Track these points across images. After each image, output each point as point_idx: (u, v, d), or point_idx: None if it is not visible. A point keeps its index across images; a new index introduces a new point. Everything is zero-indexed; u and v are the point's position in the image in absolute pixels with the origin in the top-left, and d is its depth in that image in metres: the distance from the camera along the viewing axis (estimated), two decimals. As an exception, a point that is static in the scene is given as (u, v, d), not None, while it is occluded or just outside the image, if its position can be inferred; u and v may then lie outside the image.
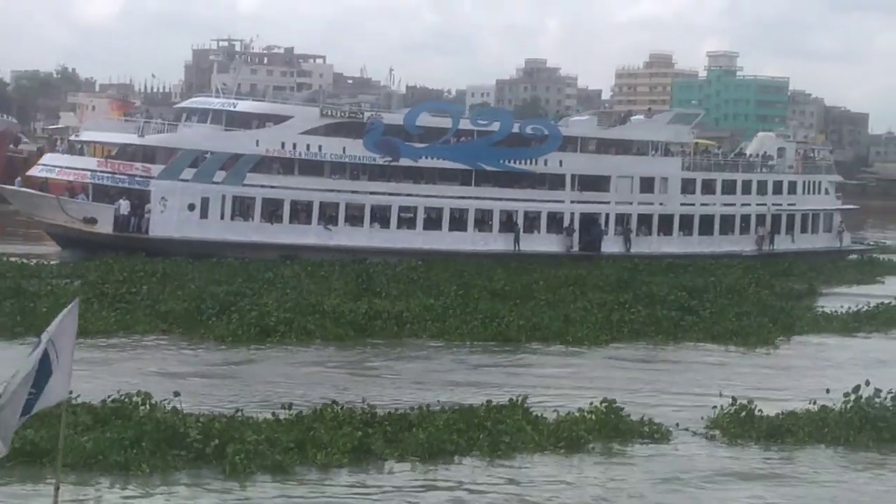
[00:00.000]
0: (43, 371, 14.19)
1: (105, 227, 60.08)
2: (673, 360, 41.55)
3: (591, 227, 68.68)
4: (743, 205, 74.13)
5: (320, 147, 63.77)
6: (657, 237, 70.84)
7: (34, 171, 65.75)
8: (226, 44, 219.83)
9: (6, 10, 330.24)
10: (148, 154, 62.46)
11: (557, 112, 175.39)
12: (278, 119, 64.37)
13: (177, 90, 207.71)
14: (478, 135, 67.84)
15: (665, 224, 71.03)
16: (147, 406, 27.29)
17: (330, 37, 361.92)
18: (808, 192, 78.13)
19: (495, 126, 68.44)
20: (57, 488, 16.46)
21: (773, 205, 75.27)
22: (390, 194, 65.15)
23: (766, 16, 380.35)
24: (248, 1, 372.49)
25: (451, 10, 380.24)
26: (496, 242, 66.48)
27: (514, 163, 67.79)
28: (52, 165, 64.20)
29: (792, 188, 76.93)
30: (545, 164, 68.24)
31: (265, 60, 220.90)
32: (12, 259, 54.23)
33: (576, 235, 68.30)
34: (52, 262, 55.40)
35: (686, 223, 71.51)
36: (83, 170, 62.34)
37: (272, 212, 63.34)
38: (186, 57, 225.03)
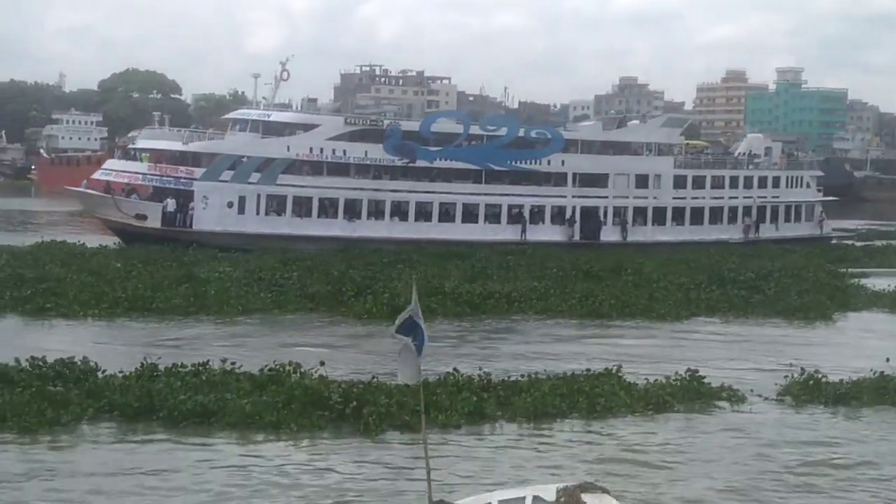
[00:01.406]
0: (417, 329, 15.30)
1: (154, 222, 59.51)
2: (744, 333, 39.96)
3: (590, 218, 66.62)
4: (731, 198, 71.45)
5: (345, 151, 62.39)
6: (651, 227, 68.46)
7: (97, 175, 64.41)
8: (367, 68, 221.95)
9: (191, 44, 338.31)
10: (195, 159, 61.58)
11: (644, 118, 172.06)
12: (307, 127, 63.32)
13: (327, 108, 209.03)
14: (487, 139, 66.04)
15: (659, 215, 68.68)
16: (297, 374, 26.93)
17: (455, 60, 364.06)
18: (791, 186, 75.47)
19: (503, 131, 66.36)
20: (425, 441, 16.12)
21: (759, 197, 72.64)
22: (408, 192, 63.37)
23: (828, 35, 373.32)
24: (387, 30, 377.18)
25: (557, 35, 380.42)
26: (505, 233, 64.17)
27: (521, 163, 65.65)
28: (111, 170, 63.33)
29: (776, 182, 74.25)
30: (549, 163, 66.05)
31: (400, 82, 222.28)
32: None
33: (577, 226, 66.17)
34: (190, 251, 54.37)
35: (678, 215, 69.14)
36: (136, 173, 61.95)
37: (302, 208, 62.02)
38: (335, 80, 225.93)
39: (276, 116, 63.79)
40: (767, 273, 51.82)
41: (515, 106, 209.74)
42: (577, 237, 65.68)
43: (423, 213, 63.71)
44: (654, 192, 68.58)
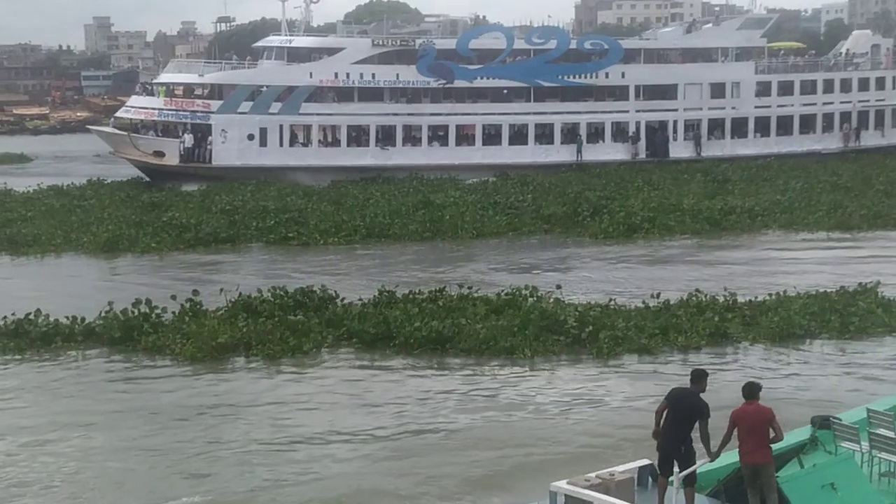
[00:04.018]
0: None
1: (172, 158, 56.43)
2: None
3: (656, 134, 60.83)
4: (825, 104, 63.89)
5: (373, 75, 57.65)
6: (731, 140, 61.91)
7: (119, 113, 62.33)
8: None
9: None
10: (212, 91, 57.85)
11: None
12: (331, 51, 58.28)
13: (568, 28, 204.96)
14: (534, 53, 59.74)
15: (739, 127, 62.02)
16: (534, 298, 26.32)
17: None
18: None
19: (552, 44, 60.04)
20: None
21: (859, 101, 64.54)
22: (447, 114, 58.54)
23: None
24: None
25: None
26: (558, 154, 58.90)
27: (574, 77, 59.80)
28: (131, 106, 60.33)
29: (880, 84, 65.50)
30: (606, 76, 60.16)
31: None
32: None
33: (641, 143, 60.26)
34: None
35: (762, 125, 62.32)
36: (152, 108, 58.41)
37: (329, 137, 58.34)
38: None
39: (299, 42, 59.54)
40: None
41: (763, 13, 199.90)
42: (641, 155, 60.12)
43: (465, 137, 59.16)
44: (732, 101, 62.17)
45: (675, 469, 12.16)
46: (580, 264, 34.75)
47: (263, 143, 56.38)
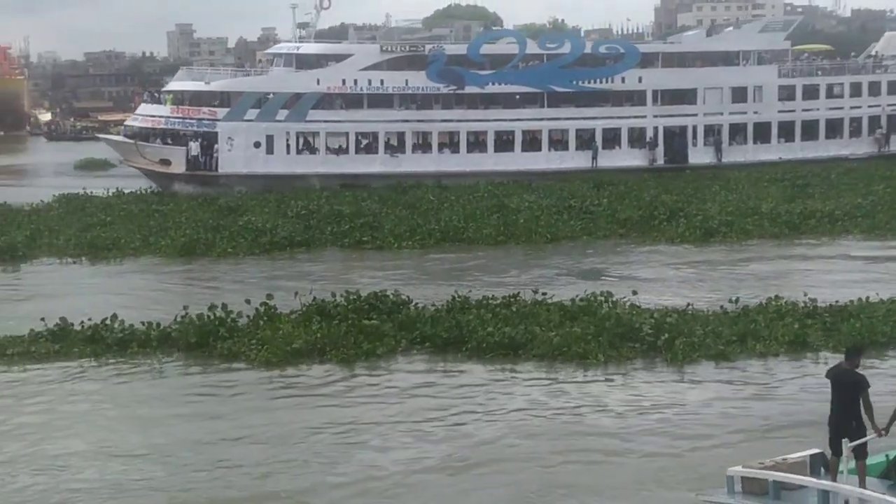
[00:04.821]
0: None
1: (178, 166, 55.86)
2: None
3: (674, 140, 59.13)
4: (852, 108, 61.52)
5: (382, 81, 56.64)
6: (753, 145, 60.10)
7: (128, 121, 61.77)
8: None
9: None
10: (218, 99, 57.09)
11: None
12: (339, 58, 57.61)
13: (648, 30, 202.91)
14: (547, 58, 58.75)
15: (762, 132, 60.11)
16: (609, 304, 25.92)
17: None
18: None
19: (565, 48, 58.90)
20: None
21: (889, 105, 61.84)
22: (458, 121, 57.35)
23: None
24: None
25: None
26: (573, 160, 57.40)
27: (589, 82, 58.42)
28: (139, 114, 59.80)
29: None
30: (623, 81, 58.61)
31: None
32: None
33: (659, 149, 58.70)
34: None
35: (786, 129, 60.42)
36: (158, 117, 57.67)
37: (337, 145, 57.19)
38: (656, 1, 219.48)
39: (306, 48, 58.55)
40: None
41: (847, 14, 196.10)
42: (659, 161, 58.65)
43: (477, 144, 58.00)
44: (754, 105, 60.26)
45: (845, 441, 12.18)
46: (656, 269, 34.21)
47: (270, 150, 55.90)
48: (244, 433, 18.81)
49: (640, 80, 58.98)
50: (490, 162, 56.74)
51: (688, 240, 38.20)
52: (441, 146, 57.47)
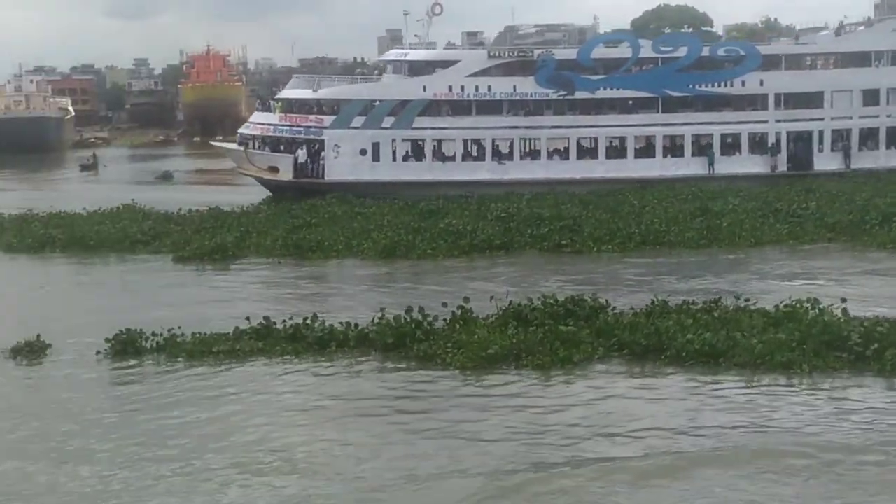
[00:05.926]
0: None
1: (286, 174, 55.92)
2: None
3: (797, 145, 55.49)
4: None
5: (489, 87, 55.36)
6: (885, 150, 55.83)
7: (241, 129, 61.61)
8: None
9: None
10: (326, 107, 56.87)
11: None
12: (445, 64, 56.38)
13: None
14: (662, 62, 56.20)
15: (895, 137, 55.88)
16: (815, 310, 24.73)
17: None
18: None
19: (682, 51, 56.28)
20: None
21: None
22: (568, 127, 55.57)
23: None
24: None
25: None
26: (689, 167, 55.03)
27: (706, 86, 55.83)
28: (251, 122, 60.12)
29: None
30: (742, 85, 55.67)
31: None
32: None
33: (781, 155, 55.32)
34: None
35: None
36: (268, 125, 57.90)
37: (444, 151, 56.04)
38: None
39: (414, 55, 57.94)
40: None
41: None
42: (782, 167, 55.48)
43: (588, 150, 56.49)
44: (887, 109, 56.19)
45: None
46: (867, 275, 32.64)
47: (376, 157, 55.73)
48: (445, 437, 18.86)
49: (761, 83, 56.50)
50: (601, 169, 55.55)
51: (901, 246, 36.39)
52: (550, 153, 56.50)
